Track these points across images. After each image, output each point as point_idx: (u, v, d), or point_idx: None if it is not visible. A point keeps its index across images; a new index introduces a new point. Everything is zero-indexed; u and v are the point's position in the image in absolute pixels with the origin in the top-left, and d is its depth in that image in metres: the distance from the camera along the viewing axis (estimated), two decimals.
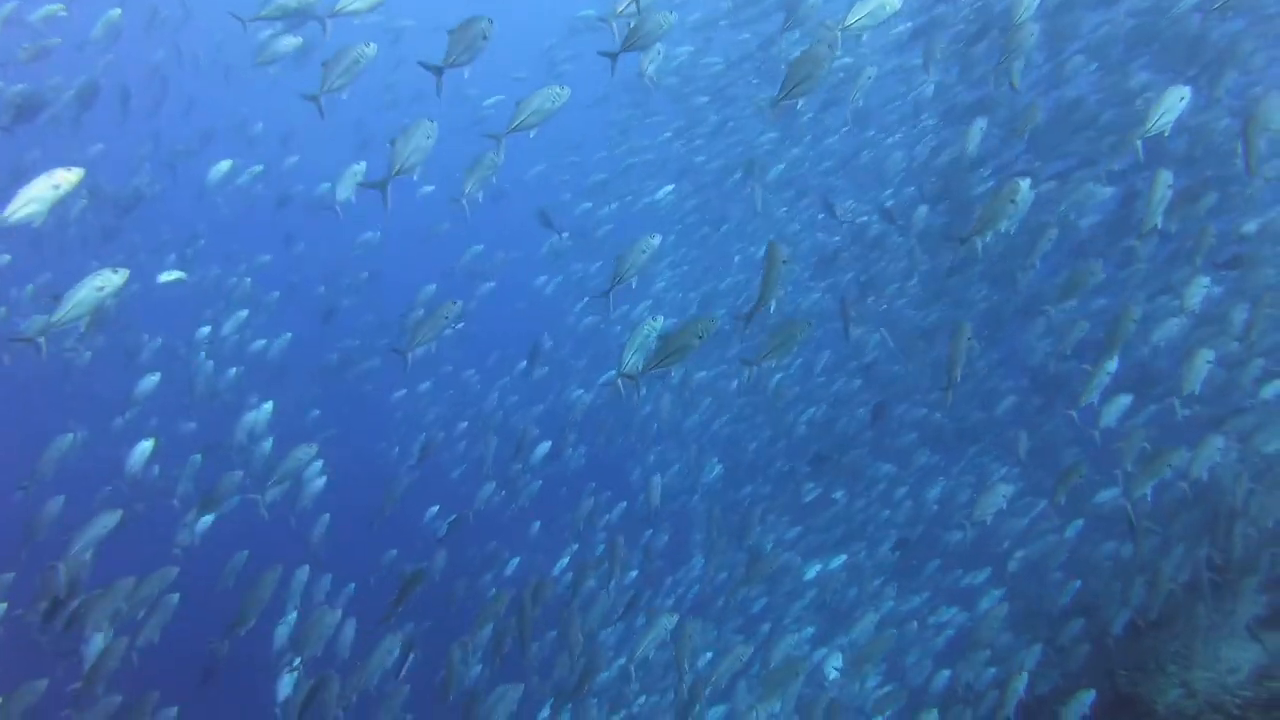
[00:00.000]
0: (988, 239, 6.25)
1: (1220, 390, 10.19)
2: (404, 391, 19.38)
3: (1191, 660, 8.29)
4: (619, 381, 6.74)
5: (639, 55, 9.21)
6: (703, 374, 17.96)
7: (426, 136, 6.19)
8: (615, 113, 19.53)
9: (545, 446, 14.17)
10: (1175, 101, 6.35)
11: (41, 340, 5.72)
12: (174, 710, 8.89)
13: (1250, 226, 10.73)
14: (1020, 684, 8.00)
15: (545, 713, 11.55)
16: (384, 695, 9.75)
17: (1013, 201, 6.14)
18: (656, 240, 6.58)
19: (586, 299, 19.78)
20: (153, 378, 11.05)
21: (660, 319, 6.88)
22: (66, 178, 5.46)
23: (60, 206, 5.65)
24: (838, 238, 15.56)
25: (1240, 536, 9.08)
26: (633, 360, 6.73)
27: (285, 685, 9.59)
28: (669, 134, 18.10)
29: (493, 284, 18.58)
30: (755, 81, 16.51)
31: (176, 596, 8.42)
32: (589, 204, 19.33)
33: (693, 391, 17.18)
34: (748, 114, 16.45)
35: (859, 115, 14.65)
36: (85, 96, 12.44)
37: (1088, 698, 8.22)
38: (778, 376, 15.26)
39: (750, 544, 12.80)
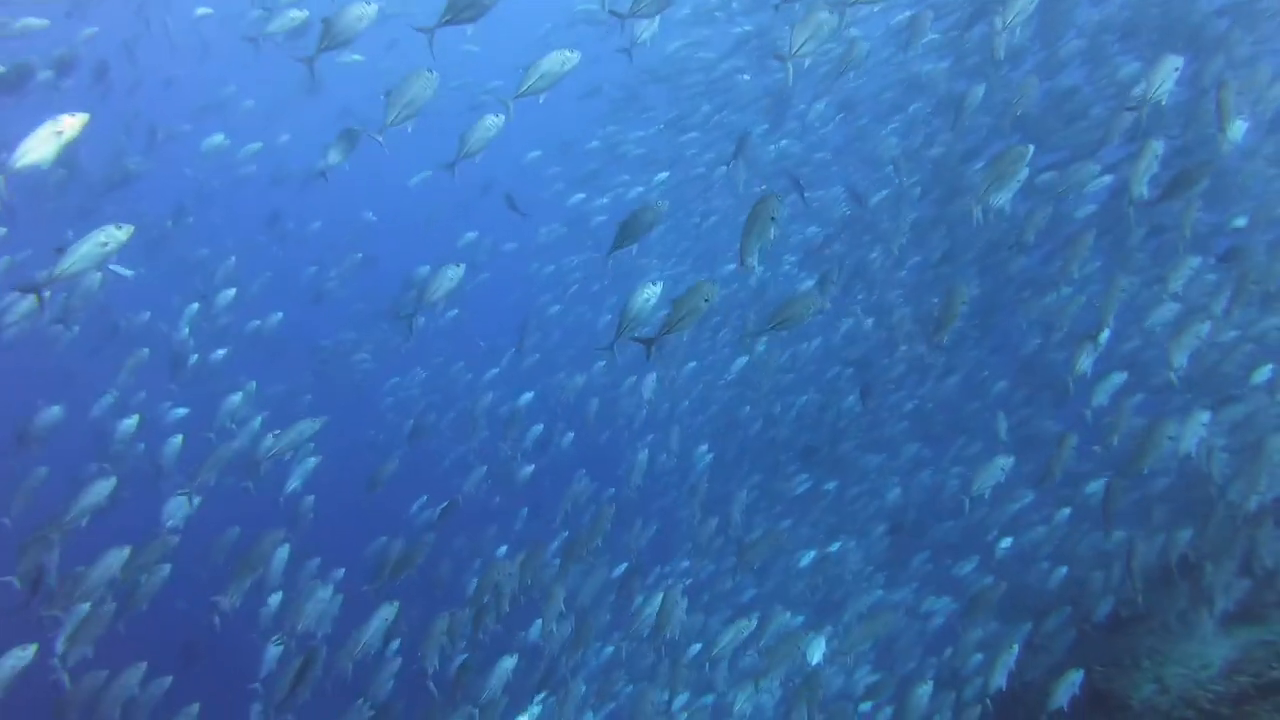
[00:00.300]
0: (993, 203, 6.26)
1: (1208, 373, 10.29)
2: (396, 379, 19.28)
3: (1166, 656, 8.39)
4: (613, 348, 6.73)
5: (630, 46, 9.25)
6: (693, 364, 17.99)
7: (425, 86, 6.11)
8: (608, 104, 19.54)
9: (537, 429, 14.11)
10: (1169, 71, 6.42)
11: (45, 292, 5.67)
12: (167, 680, 8.76)
13: (1240, 220, 10.85)
14: (1011, 656, 8.03)
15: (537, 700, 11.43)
16: (375, 669, 9.67)
17: (1020, 161, 6.17)
18: (664, 206, 6.57)
19: (575, 286, 19.73)
20: (141, 352, 10.93)
21: (659, 284, 6.87)
22: (70, 123, 5.42)
23: (69, 149, 5.60)
24: (831, 229, 15.63)
25: (1218, 520, 9.16)
26: (630, 324, 6.72)
27: (270, 660, 9.50)
28: (661, 126, 18.14)
29: (486, 275, 18.51)
30: (747, 77, 16.57)
31: (168, 567, 8.31)
32: (582, 194, 19.32)
33: (682, 380, 17.19)
34: (741, 102, 16.49)
35: (852, 103, 14.75)
36: (64, 67, 12.28)
37: (1076, 677, 8.28)
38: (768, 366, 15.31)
39: (734, 522, 12.71)
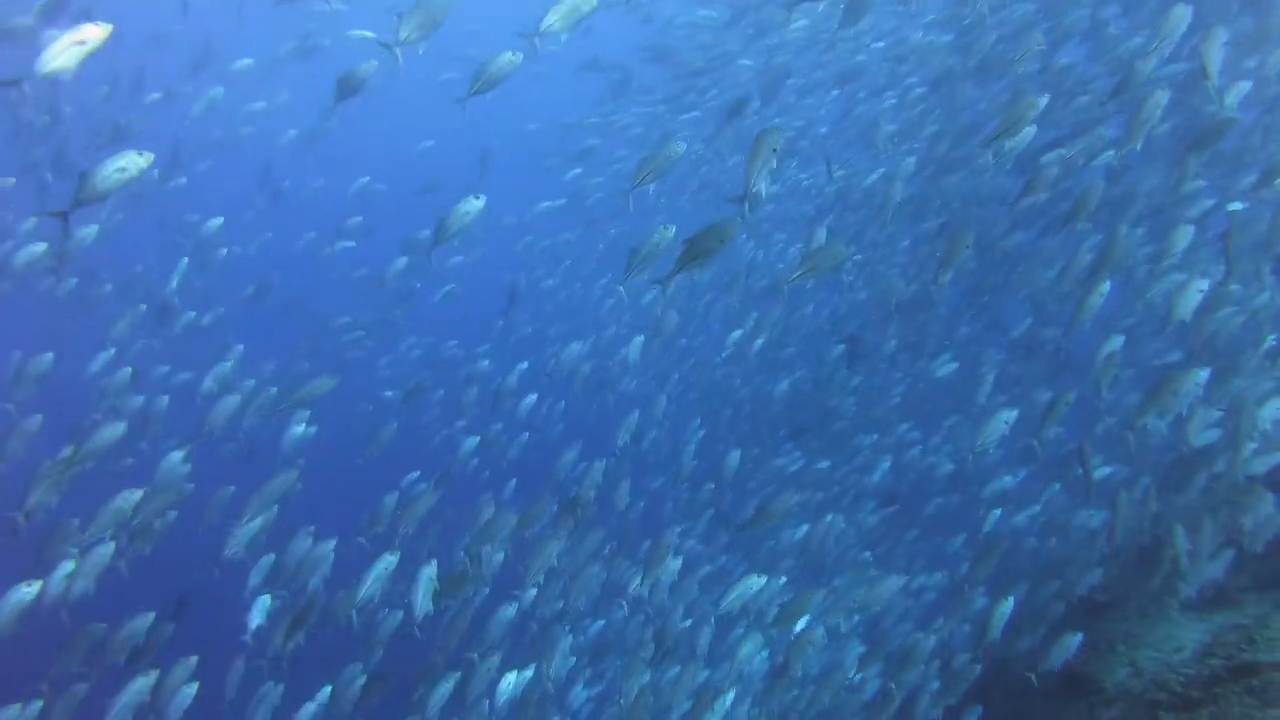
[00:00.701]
0: (1005, 149, 6.29)
1: (1205, 345, 10.37)
2: (389, 356, 19.10)
3: (1140, 640, 8.45)
4: (622, 289, 6.75)
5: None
6: (683, 342, 18.07)
7: (441, 9, 6.07)
8: (605, 84, 19.51)
9: (531, 399, 14.05)
10: (1179, 21, 6.47)
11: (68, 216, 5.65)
12: (169, 627, 8.63)
13: (1237, 205, 10.93)
14: (1007, 608, 8.07)
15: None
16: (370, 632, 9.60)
17: (1033, 110, 6.20)
18: (682, 147, 6.59)
19: (568, 261, 19.65)
20: (138, 308, 10.79)
21: (672, 229, 6.89)
22: (94, 33, 5.33)
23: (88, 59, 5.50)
24: (823, 203, 15.71)
25: (1198, 487, 9.21)
26: (642, 263, 6.75)
27: (258, 614, 9.38)
28: (658, 103, 18.17)
29: (482, 251, 18.39)
30: (748, 62, 16.62)
31: (175, 513, 8.19)
32: (579, 169, 19.30)
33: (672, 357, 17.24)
34: (738, 80, 16.52)
35: (849, 77, 14.79)
36: (48, 15, 12.00)
37: (1074, 641, 8.35)
38: (760, 341, 15.38)
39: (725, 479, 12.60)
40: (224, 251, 12.89)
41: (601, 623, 13.13)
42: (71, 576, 7.34)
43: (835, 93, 14.90)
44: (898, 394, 16.06)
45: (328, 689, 9.80)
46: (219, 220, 13.47)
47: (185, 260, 12.41)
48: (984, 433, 7.86)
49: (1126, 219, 10.99)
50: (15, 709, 7.22)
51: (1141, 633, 8.58)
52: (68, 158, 13.83)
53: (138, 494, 7.25)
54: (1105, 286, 7.42)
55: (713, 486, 12.50)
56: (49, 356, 9.35)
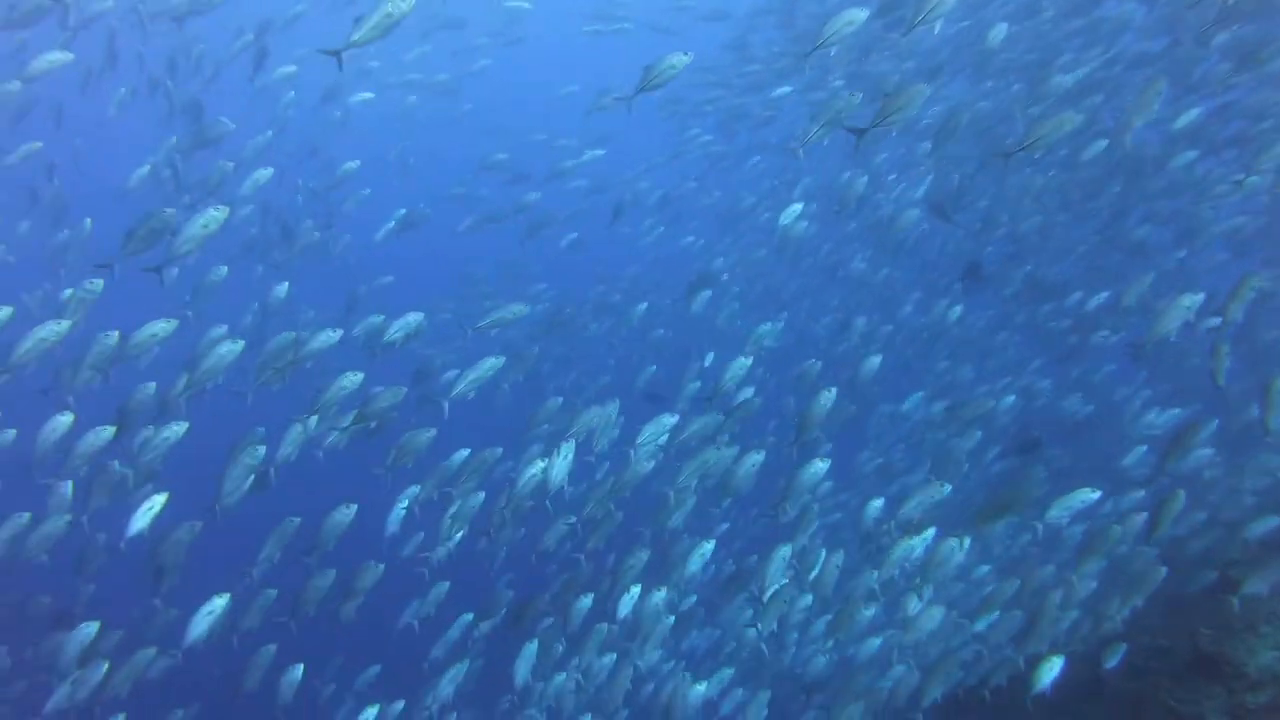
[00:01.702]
0: None
1: None
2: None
3: None
4: (800, 147, 6.81)
5: None
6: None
7: None
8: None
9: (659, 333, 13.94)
10: None
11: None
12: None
13: None
14: (1178, 504, 7.70)
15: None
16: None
17: None
18: (864, 14, 6.61)
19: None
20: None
21: (859, 95, 6.90)
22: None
23: None
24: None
25: None
26: (818, 130, 6.81)
27: (393, 522, 9.59)
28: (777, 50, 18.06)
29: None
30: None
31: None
32: (695, 129, 19.54)
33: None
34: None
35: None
36: None
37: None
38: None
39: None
40: (367, 192, 13.29)
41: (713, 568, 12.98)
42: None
43: (966, 23, 14.42)
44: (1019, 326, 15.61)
45: (468, 615, 10.09)
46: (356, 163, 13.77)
47: (301, 182, 12.76)
48: (1164, 319, 7.50)
49: None
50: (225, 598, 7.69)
51: None
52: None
53: (359, 376, 7.64)
54: None
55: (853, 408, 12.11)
56: (223, 270, 9.89)
